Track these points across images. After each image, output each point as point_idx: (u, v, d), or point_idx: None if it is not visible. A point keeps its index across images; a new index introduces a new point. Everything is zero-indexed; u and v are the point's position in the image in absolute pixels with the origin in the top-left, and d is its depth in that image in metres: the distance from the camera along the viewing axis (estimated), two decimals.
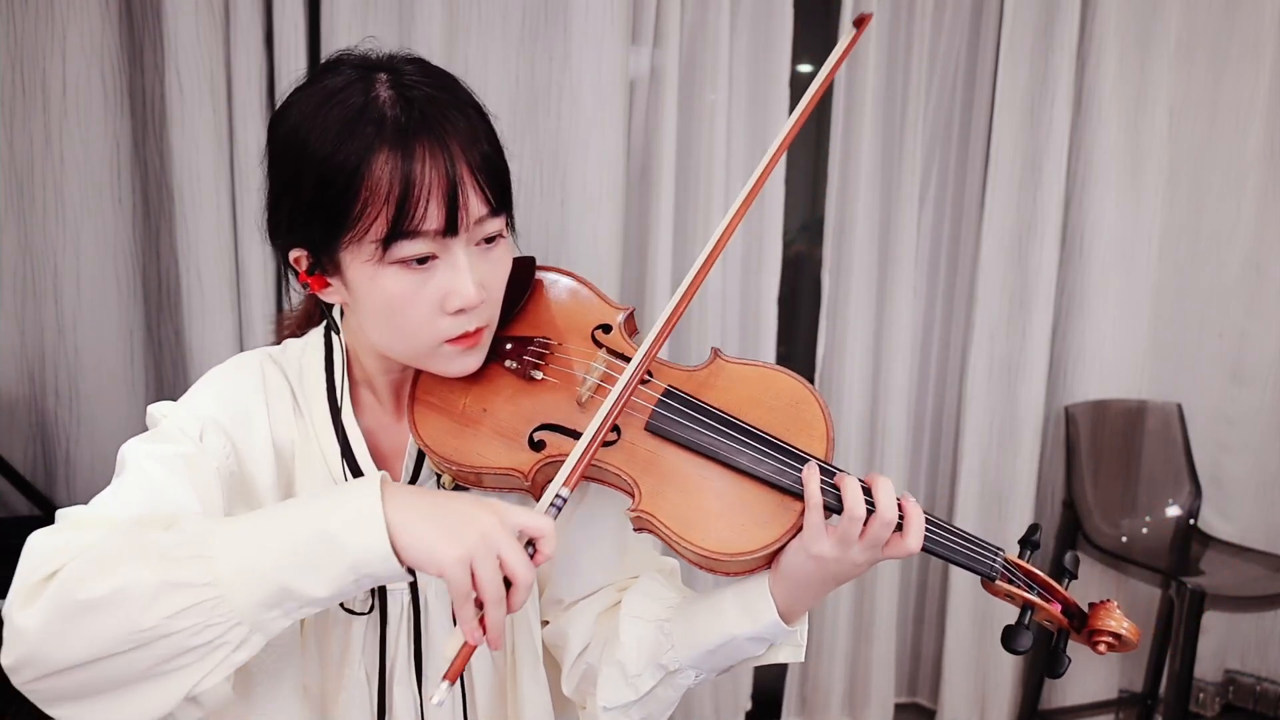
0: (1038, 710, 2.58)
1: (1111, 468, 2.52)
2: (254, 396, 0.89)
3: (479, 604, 0.70)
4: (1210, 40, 2.52)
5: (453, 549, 0.68)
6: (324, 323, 0.95)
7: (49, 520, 0.76)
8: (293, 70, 1.90)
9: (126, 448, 0.82)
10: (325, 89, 0.81)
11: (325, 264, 0.83)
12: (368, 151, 0.77)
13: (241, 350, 1.99)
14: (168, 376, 2.01)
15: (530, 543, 0.73)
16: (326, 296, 0.87)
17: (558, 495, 0.78)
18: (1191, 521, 2.54)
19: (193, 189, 1.89)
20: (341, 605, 0.90)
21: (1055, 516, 2.57)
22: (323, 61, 0.86)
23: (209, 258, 1.92)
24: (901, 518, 0.83)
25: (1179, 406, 2.60)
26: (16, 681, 0.68)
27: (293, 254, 0.85)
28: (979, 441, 2.51)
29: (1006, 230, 2.48)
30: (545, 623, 1.01)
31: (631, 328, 0.97)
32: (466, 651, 0.70)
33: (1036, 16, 2.41)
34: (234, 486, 0.86)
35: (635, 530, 0.87)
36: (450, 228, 0.78)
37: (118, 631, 0.66)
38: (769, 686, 2.62)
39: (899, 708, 2.72)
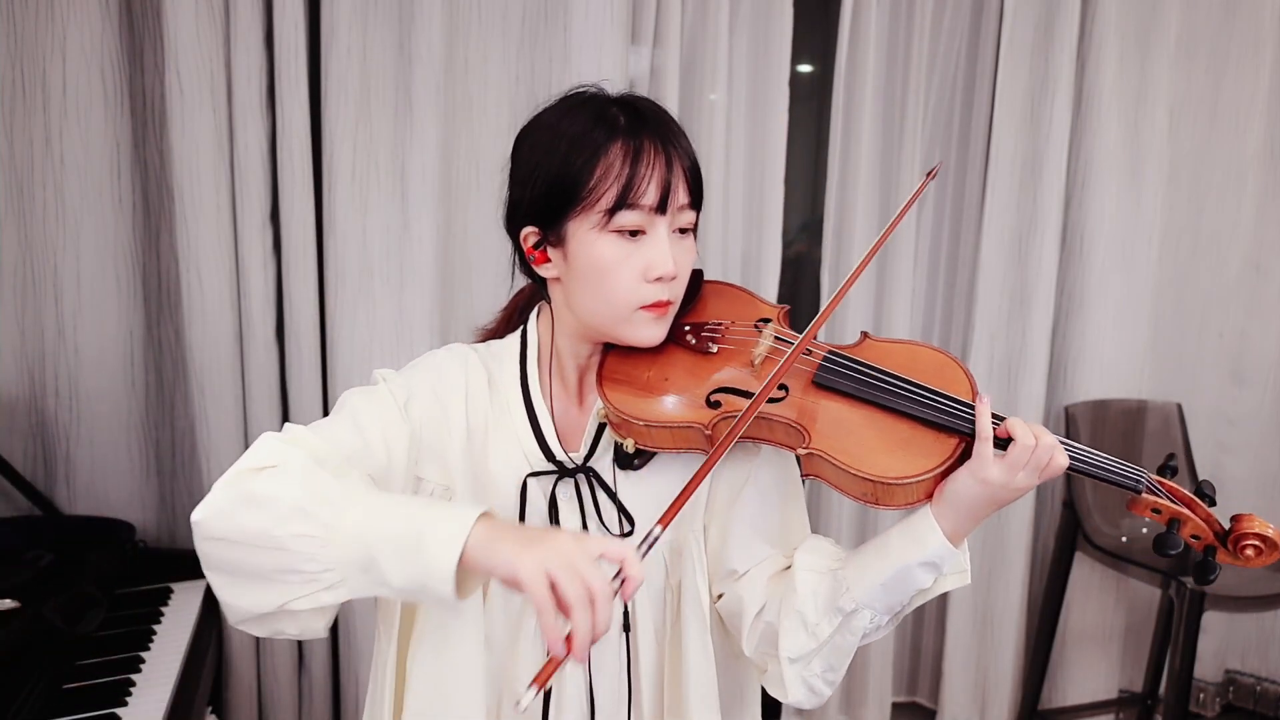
0: (1037, 710, 2.58)
1: None
2: (457, 378, 1.07)
3: (566, 615, 0.75)
4: (1210, 40, 2.53)
5: (530, 559, 0.76)
6: (521, 327, 1.12)
7: (49, 519, 0.78)
8: (293, 70, 1.90)
9: (348, 393, 1.03)
10: (572, 101, 1.03)
11: (551, 238, 1.01)
12: (608, 139, 0.97)
13: (240, 350, 2.02)
14: (168, 376, 2.01)
15: (617, 573, 0.78)
16: (544, 271, 1.04)
17: (650, 532, 0.82)
18: None
19: (193, 189, 1.88)
20: None
21: (1055, 516, 2.57)
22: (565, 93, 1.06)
23: (209, 258, 1.91)
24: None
25: (1179, 406, 2.60)
26: (195, 535, 0.86)
27: (525, 230, 1.02)
28: None
29: (1006, 230, 2.48)
30: (720, 596, 1.08)
31: (787, 321, 1.08)
32: (552, 664, 0.74)
33: (1036, 16, 2.41)
34: (425, 449, 1.04)
35: (803, 476, 0.99)
36: (661, 206, 0.97)
37: (258, 528, 0.83)
38: None
39: (899, 706, 2.73)
